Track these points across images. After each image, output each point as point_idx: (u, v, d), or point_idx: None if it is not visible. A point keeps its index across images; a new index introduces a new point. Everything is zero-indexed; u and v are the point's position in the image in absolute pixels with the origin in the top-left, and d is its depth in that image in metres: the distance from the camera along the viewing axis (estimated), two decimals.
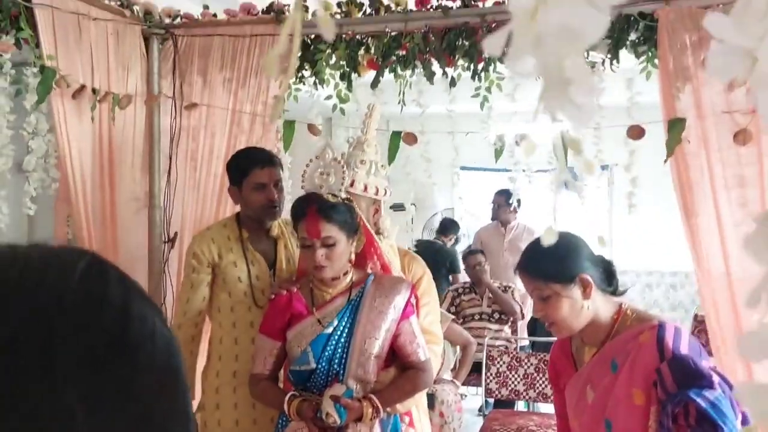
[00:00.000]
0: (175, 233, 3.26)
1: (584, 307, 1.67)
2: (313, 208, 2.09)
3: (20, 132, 2.66)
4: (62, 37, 2.79)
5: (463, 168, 8.03)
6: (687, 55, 2.70)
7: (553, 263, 1.66)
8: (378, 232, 2.33)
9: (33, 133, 2.64)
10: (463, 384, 4.29)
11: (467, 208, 7.42)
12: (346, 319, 2.14)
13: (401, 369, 2.20)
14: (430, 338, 2.31)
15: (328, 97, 3.15)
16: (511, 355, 4.13)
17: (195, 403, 2.92)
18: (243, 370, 2.48)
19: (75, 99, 2.77)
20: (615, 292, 1.75)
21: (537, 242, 1.77)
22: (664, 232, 5.49)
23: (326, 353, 2.11)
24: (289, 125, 3.13)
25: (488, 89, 2.91)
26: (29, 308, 0.45)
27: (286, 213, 2.54)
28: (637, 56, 2.81)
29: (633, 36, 2.79)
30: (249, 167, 2.45)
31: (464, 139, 3.31)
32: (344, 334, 2.13)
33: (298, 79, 3.24)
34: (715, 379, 1.52)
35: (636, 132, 2.75)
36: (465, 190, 7.76)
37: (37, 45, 2.70)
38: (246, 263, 2.49)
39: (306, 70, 3.21)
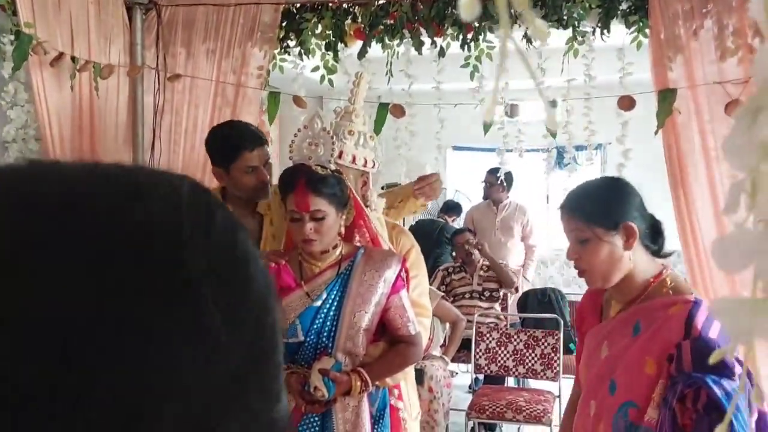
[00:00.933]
0: None
1: (623, 257, 1.56)
2: (302, 180, 2.03)
3: None
4: (41, 4, 2.72)
5: (455, 148, 8.03)
6: (679, 24, 2.66)
7: (599, 205, 1.58)
8: (366, 205, 2.28)
9: (11, 102, 2.57)
10: (453, 361, 4.27)
11: (458, 188, 7.38)
12: (335, 292, 2.10)
13: (390, 343, 2.16)
14: (419, 311, 2.27)
15: (315, 69, 3.09)
16: (500, 332, 4.11)
17: None
18: None
19: (53, 67, 2.70)
20: (659, 252, 1.64)
21: (586, 183, 1.68)
22: (655, 210, 5.48)
23: (315, 326, 2.07)
24: (274, 97, 3.07)
25: (478, 59, 2.85)
26: (154, 213, 0.38)
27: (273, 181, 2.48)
28: (628, 26, 2.76)
29: (624, 5, 2.75)
30: (238, 150, 2.30)
31: (456, 119, 3.26)
32: (333, 307, 2.08)
33: (282, 50, 3.18)
34: (737, 371, 1.43)
35: (626, 102, 2.72)
36: (457, 170, 7.73)
37: (14, 12, 2.62)
38: None
39: (291, 40, 3.15)
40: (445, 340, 4.18)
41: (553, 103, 2.70)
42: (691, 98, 2.66)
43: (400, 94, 2.96)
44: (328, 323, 2.08)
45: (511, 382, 4.63)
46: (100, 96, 3.01)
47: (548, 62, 2.77)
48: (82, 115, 2.96)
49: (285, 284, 2.14)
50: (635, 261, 1.58)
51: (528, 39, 2.75)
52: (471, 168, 7.25)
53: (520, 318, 4.77)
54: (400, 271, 2.15)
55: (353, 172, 2.27)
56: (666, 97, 2.63)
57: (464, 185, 7.44)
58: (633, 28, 2.75)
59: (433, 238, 5.53)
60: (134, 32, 3.20)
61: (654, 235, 1.64)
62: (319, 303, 2.09)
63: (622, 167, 2.74)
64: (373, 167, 2.33)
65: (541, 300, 4.72)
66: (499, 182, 5.34)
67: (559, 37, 2.81)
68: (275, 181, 2.44)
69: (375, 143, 2.33)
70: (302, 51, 3.08)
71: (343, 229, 2.16)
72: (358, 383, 2.01)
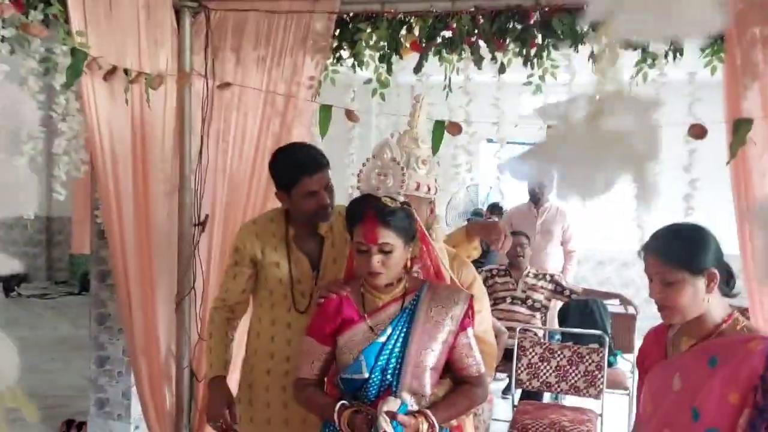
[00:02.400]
0: (206, 216, 3.15)
1: (704, 299, 1.72)
2: (371, 212, 1.97)
3: (49, 113, 2.54)
4: (92, 11, 2.65)
5: (489, 140, 7.91)
6: (757, 50, 2.52)
7: (689, 252, 1.72)
8: (429, 234, 2.20)
9: (63, 114, 2.51)
10: None
11: (494, 185, 7.25)
12: (400, 328, 2.03)
13: (455, 382, 2.10)
14: (484, 348, 2.22)
15: (368, 81, 3.00)
16: (543, 347, 4.02)
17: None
18: (277, 370, 2.40)
19: (106, 81, 2.64)
20: (729, 294, 1.80)
21: (673, 228, 1.81)
22: (677, 217, 5.34)
23: (379, 363, 2.00)
24: (326, 110, 2.98)
25: (542, 77, 2.74)
26: None
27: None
28: (702, 49, 2.63)
29: None
30: (299, 176, 2.27)
31: (486, 112, 3.11)
32: (398, 344, 2.02)
33: (335, 60, 3.09)
34: None
35: (697, 131, 2.59)
36: (490, 164, 7.61)
37: (66, 21, 2.56)
38: (289, 265, 2.38)
39: (344, 50, 3.05)
40: None
41: (746, 123, 2.57)
42: (766, 128, 2.53)
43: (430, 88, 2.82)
44: (393, 361, 2.01)
45: (547, 395, 4.56)
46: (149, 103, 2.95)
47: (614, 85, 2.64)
48: (133, 124, 2.90)
49: (347, 316, 2.08)
50: (711, 303, 1.74)
51: (594, 59, 2.63)
52: (502, 163, 7.12)
53: (560, 332, 4.67)
54: (468, 308, 2.08)
55: (423, 202, 2.21)
56: (740, 126, 2.50)
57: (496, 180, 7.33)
58: (707, 51, 2.62)
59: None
60: (183, 36, 3.13)
61: (728, 279, 1.79)
62: (383, 339, 2.02)
63: (690, 197, 2.63)
64: (436, 193, 2.26)
65: (582, 311, 4.61)
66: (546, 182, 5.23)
67: (628, 56, 2.68)
68: (337, 201, 2.38)
69: (437, 171, 2.25)
70: (356, 62, 2.98)
71: (409, 263, 2.09)
72: (425, 426, 1.95)
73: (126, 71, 2.73)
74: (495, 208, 6.79)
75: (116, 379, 4.56)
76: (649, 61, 2.64)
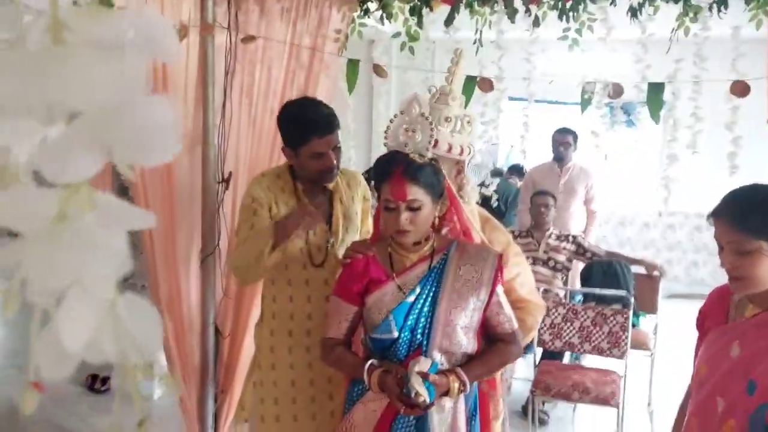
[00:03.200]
0: (230, 173, 3.10)
1: None
2: (399, 169, 1.92)
3: None
4: None
5: (511, 98, 7.79)
6: None
7: (765, 219, 1.57)
8: (459, 195, 2.15)
9: None
10: None
11: (513, 143, 7.16)
12: (428, 287, 2.00)
13: (488, 340, 2.08)
14: (529, 306, 2.20)
15: (396, 35, 2.91)
16: (566, 307, 3.99)
17: (248, 358, 2.86)
18: (298, 330, 2.37)
19: None
20: None
21: (747, 192, 1.65)
22: (719, 176, 5.23)
23: (409, 322, 1.98)
24: (353, 65, 2.90)
25: (578, 31, 2.63)
26: None
27: (342, 163, 2.38)
28: (747, 2, 2.51)
29: None
30: (308, 136, 2.22)
31: (517, 69, 3.01)
32: (427, 303, 1.99)
33: (363, 12, 2.99)
34: None
35: (740, 88, 2.49)
36: (512, 122, 7.49)
37: None
38: None
39: (372, 2, 2.96)
40: None
41: (658, 87, 2.49)
42: None
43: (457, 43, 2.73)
44: (423, 320, 1.99)
45: (566, 356, 4.55)
46: None
47: (653, 42, 2.54)
48: (155, 76, 2.84)
49: (375, 277, 2.05)
50: None
51: (633, 13, 2.53)
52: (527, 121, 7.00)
53: (582, 293, 4.63)
54: (498, 267, 2.04)
55: (448, 162, 2.14)
56: None
57: (517, 139, 7.23)
58: (752, 4, 2.50)
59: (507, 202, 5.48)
60: None
61: None
62: (412, 298, 2.00)
63: (734, 156, 2.54)
64: (469, 154, 2.19)
65: (606, 272, 4.56)
66: (571, 141, 5.13)
67: (668, 10, 2.57)
68: (353, 154, 2.33)
69: (472, 128, 2.18)
70: (384, 15, 2.89)
71: (437, 221, 2.05)
72: (456, 384, 1.93)
73: None
74: (515, 169, 6.71)
75: None
76: (691, 14, 2.53)
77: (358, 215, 2.47)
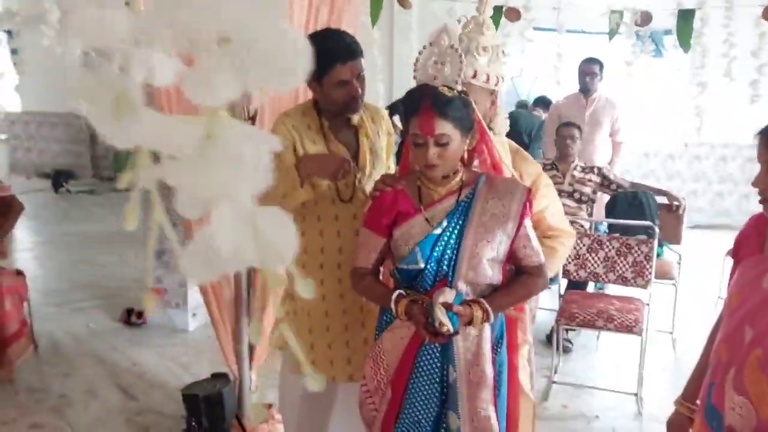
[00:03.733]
0: (255, 110, 3.13)
1: None
2: (428, 102, 1.92)
3: None
4: None
5: (536, 29, 7.63)
6: None
7: None
8: (490, 127, 2.16)
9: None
10: None
11: (541, 75, 7.06)
12: (456, 220, 2.03)
13: (515, 271, 2.12)
14: (561, 234, 2.23)
15: None
16: (591, 238, 4.02)
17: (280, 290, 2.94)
18: (329, 263, 2.43)
19: None
20: None
21: None
22: (743, 105, 5.15)
23: (435, 254, 2.02)
24: None
25: None
26: None
27: (370, 97, 2.37)
28: None
29: None
30: (330, 63, 2.20)
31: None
32: (454, 236, 2.03)
33: None
34: None
35: None
36: (535, 53, 7.37)
37: None
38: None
39: None
40: None
41: (689, 13, 2.44)
42: None
43: None
44: (449, 252, 2.03)
45: (590, 286, 4.61)
46: None
47: None
48: None
49: (403, 209, 2.08)
50: None
51: None
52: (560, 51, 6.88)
53: (607, 224, 4.65)
54: (526, 201, 2.06)
55: (484, 92, 2.14)
56: None
57: (548, 70, 7.12)
58: None
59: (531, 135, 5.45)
60: None
61: None
62: (439, 230, 2.03)
63: (757, 83, 2.51)
64: (502, 83, 2.19)
65: (631, 203, 4.57)
66: (601, 73, 5.05)
67: None
68: (379, 87, 2.34)
69: (504, 58, 2.17)
70: None
71: (466, 155, 2.06)
72: (479, 313, 1.98)
73: None
74: (541, 101, 6.62)
75: (173, 270, 4.73)
76: None
77: (383, 150, 2.49)
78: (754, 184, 1.63)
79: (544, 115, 6.31)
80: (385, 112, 2.58)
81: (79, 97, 0.42)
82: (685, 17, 2.43)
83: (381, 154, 2.48)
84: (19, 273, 4.10)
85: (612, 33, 2.60)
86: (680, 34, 2.38)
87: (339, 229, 2.40)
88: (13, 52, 7.56)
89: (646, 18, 2.50)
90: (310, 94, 2.98)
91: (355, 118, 2.39)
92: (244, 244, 0.40)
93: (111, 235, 7.37)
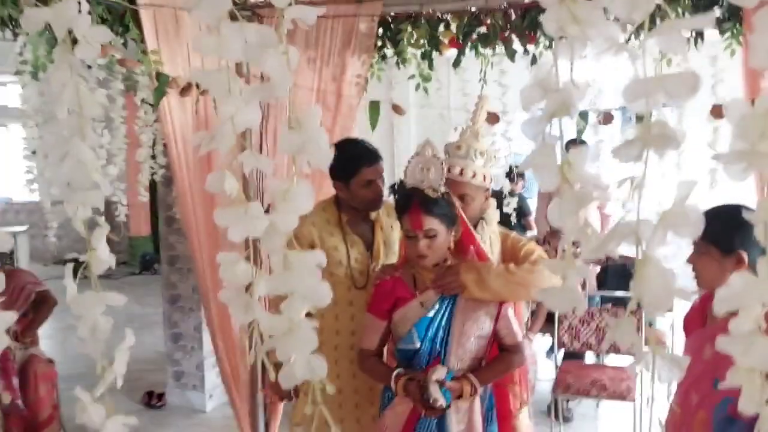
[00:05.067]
0: (268, 205, 3.47)
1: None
2: (416, 202, 2.25)
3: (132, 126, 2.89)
4: (162, 30, 2.96)
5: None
6: None
7: (722, 230, 1.77)
8: (482, 218, 2.48)
9: (143, 126, 2.85)
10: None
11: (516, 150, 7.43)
12: (446, 303, 2.33)
13: (498, 349, 2.40)
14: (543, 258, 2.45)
15: (411, 77, 3.26)
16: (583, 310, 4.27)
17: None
18: (343, 344, 2.69)
19: (183, 96, 2.96)
20: None
21: (717, 208, 1.87)
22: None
23: (429, 334, 2.31)
24: (374, 106, 3.26)
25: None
26: None
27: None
28: (722, 33, 2.81)
29: (718, 12, 2.79)
30: (359, 166, 2.54)
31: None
32: (445, 318, 2.32)
33: (380, 58, 3.35)
34: None
35: (718, 111, 2.79)
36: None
37: (142, 41, 2.88)
38: (346, 247, 2.65)
39: (388, 48, 3.31)
40: (528, 319, 4.38)
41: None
42: None
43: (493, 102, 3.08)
44: (441, 332, 2.32)
45: (590, 356, 4.83)
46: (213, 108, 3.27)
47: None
48: (200, 128, 3.22)
49: (401, 295, 2.38)
50: None
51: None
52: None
53: (600, 296, 4.90)
54: None
55: (480, 189, 2.47)
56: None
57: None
58: (726, 35, 2.80)
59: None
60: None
61: None
62: (432, 313, 2.33)
63: (714, 171, 2.85)
64: (491, 182, 2.53)
65: (621, 274, 4.84)
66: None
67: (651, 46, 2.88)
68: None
69: (496, 162, 2.52)
70: (399, 60, 3.24)
71: (452, 245, 2.37)
72: (468, 387, 2.26)
73: (197, 85, 3.05)
74: (518, 176, 6.90)
75: (189, 353, 5.00)
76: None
77: (396, 242, 2.77)
78: (687, 260, 1.89)
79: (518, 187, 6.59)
80: None
81: (227, 304, 0.81)
82: (641, 118, 2.77)
83: (393, 245, 2.75)
84: (50, 361, 4.37)
85: (579, 133, 2.95)
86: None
87: (354, 314, 2.66)
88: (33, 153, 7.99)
89: (608, 118, 2.86)
90: (316, 193, 3.32)
91: (373, 214, 2.70)
92: (304, 371, 0.76)
93: (129, 318, 7.65)
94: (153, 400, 5.07)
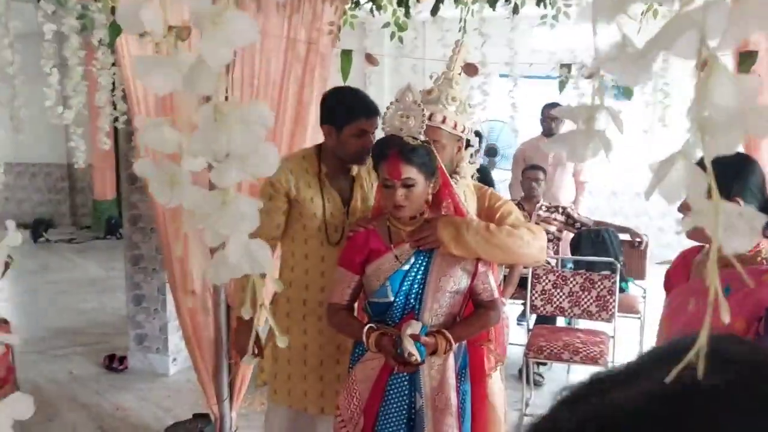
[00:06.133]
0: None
1: None
2: (395, 150, 2.14)
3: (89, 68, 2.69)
4: None
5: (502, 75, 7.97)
6: None
7: (721, 176, 1.71)
8: (456, 171, 2.37)
9: (100, 68, 2.66)
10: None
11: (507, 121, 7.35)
12: (422, 257, 2.23)
13: (473, 305, 2.31)
14: (524, 225, 2.34)
15: (386, 25, 3.11)
16: (556, 274, 4.23)
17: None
18: (312, 299, 2.60)
19: (142, 37, 2.77)
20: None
21: (721, 158, 1.80)
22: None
23: (403, 288, 2.22)
24: (347, 55, 3.11)
25: (555, 17, 2.84)
26: None
27: None
28: None
29: None
30: (357, 115, 2.43)
31: (500, 51, 3.20)
32: (420, 272, 2.23)
33: (354, 5, 3.19)
34: None
35: (705, 64, 2.69)
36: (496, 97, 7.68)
37: None
38: (322, 200, 2.54)
39: None
40: (501, 282, 4.31)
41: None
42: None
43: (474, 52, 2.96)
44: (416, 286, 2.23)
45: (561, 321, 4.79)
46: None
47: (627, 20, 2.74)
48: None
49: (375, 247, 2.28)
50: None
51: None
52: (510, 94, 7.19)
53: (573, 261, 4.86)
54: None
55: (452, 138, 2.36)
56: (745, 60, 2.61)
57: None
58: None
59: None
60: None
61: (762, 211, 1.76)
62: (407, 267, 2.23)
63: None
64: (467, 132, 2.41)
65: (594, 240, 4.79)
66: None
67: None
68: None
69: (472, 111, 2.40)
70: (374, 6, 3.09)
71: (430, 197, 2.26)
72: (444, 343, 2.17)
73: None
74: (494, 153, 6.87)
75: (153, 315, 4.84)
76: None
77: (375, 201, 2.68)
78: (678, 209, 1.80)
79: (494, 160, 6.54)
80: None
81: (147, 178, 0.66)
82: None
83: (372, 204, 2.66)
84: (5, 322, 4.19)
85: (561, 85, 2.85)
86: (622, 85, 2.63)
87: (324, 270, 2.57)
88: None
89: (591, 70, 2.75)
90: (284, 146, 3.18)
91: (355, 169, 2.59)
92: (242, 260, 0.62)
93: (91, 281, 7.45)
94: (114, 363, 4.92)
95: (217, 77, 0.63)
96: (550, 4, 2.88)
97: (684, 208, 1.84)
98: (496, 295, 2.31)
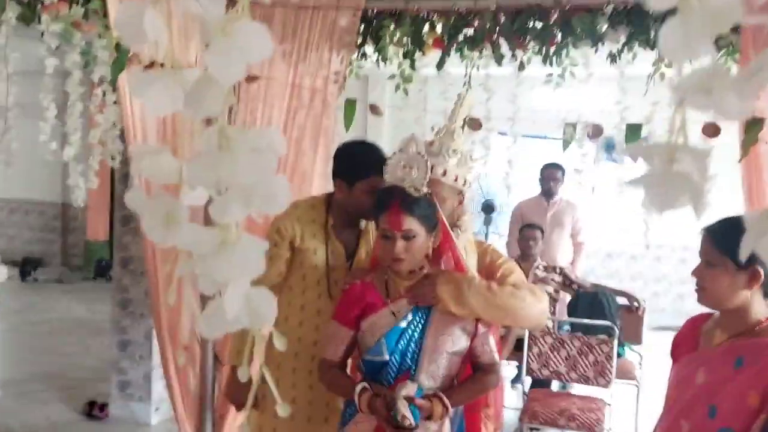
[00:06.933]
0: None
1: (741, 294, 1.69)
2: (396, 201, 2.08)
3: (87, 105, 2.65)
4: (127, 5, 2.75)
5: (500, 133, 8.00)
6: None
7: (738, 242, 1.66)
8: (457, 224, 2.31)
9: (98, 106, 2.62)
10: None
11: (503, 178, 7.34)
12: (420, 314, 2.14)
13: (472, 368, 2.21)
14: (526, 286, 2.25)
15: (391, 77, 3.09)
16: (553, 337, 4.13)
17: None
18: (304, 353, 2.50)
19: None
20: None
21: (737, 218, 1.70)
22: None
23: (399, 347, 2.11)
24: (351, 104, 3.08)
25: (561, 76, 2.83)
26: None
27: None
28: (718, 49, 2.71)
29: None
30: (370, 172, 2.35)
31: (503, 106, 3.18)
32: (417, 330, 2.13)
33: (360, 56, 3.18)
34: None
35: (711, 130, 2.67)
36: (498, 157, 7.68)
37: (104, 15, 2.66)
38: (326, 252, 2.46)
39: (369, 45, 3.15)
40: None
41: (636, 127, 2.67)
42: None
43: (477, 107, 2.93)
44: (412, 345, 2.12)
45: (555, 384, 4.67)
46: None
47: (631, 83, 2.74)
48: (165, 115, 3.01)
49: (371, 302, 2.18)
50: (751, 301, 1.70)
51: (612, 58, 2.73)
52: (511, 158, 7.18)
53: (569, 322, 4.76)
54: None
55: (453, 191, 2.30)
56: (753, 126, 2.58)
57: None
58: (722, 52, 2.70)
59: None
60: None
61: None
62: (404, 324, 2.13)
63: (707, 193, 2.72)
64: (469, 187, 2.35)
65: (592, 303, 4.71)
66: (560, 176, 5.32)
67: (646, 54, 2.77)
68: None
69: (473, 164, 2.35)
70: (380, 58, 3.08)
71: (430, 251, 2.19)
72: (439, 408, 2.06)
73: (162, 65, 2.84)
74: (492, 209, 6.79)
75: (138, 362, 4.70)
76: (667, 60, 2.72)
77: None
78: (693, 273, 1.77)
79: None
80: None
81: (139, 213, 0.56)
82: (634, 130, 2.65)
83: None
84: None
85: (566, 144, 2.82)
86: (629, 145, 2.59)
87: (319, 324, 2.47)
88: None
89: (597, 131, 2.73)
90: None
91: (363, 223, 2.52)
92: (241, 311, 0.53)
93: (77, 324, 7.27)
94: (95, 410, 4.74)
95: (225, 96, 0.56)
96: (556, 63, 2.87)
97: (696, 273, 1.78)
98: (497, 358, 2.22)
